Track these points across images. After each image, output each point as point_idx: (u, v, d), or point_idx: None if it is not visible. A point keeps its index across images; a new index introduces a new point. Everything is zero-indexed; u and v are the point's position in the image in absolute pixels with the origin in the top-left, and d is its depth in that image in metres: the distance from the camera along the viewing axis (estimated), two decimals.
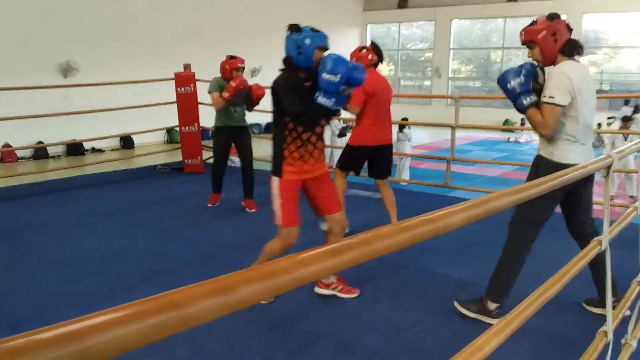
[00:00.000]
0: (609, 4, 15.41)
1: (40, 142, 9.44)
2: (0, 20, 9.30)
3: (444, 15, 17.79)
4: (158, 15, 12.28)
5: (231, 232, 4.77)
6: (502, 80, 2.95)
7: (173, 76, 7.24)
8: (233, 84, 4.97)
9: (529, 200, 2.66)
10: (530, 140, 12.78)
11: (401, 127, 8.99)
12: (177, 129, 7.50)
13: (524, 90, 2.85)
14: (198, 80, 7.17)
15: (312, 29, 3.01)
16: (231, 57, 5.28)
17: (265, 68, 14.77)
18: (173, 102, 7.31)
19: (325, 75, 2.78)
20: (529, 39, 2.88)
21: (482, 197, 1.07)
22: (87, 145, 10.51)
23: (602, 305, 2.77)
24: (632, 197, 7.88)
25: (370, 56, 4.31)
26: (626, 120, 9.12)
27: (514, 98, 2.89)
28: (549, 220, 3.09)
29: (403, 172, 7.76)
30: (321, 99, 2.82)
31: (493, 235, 4.49)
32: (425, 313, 3.16)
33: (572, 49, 2.83)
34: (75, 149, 10.22)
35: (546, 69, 2.96)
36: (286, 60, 3.03)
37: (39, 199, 5.99)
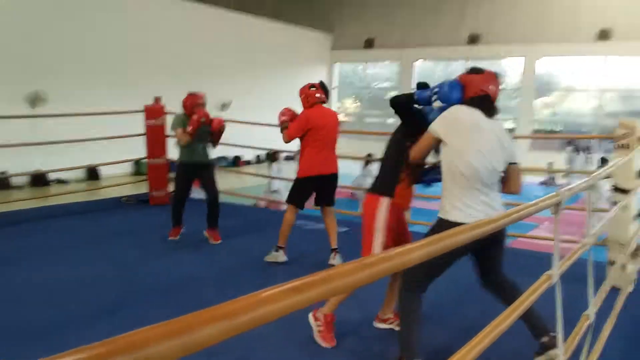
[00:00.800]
0: (563, 50, 16.20)
1: (3, 172, 9.24)
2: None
3: (408, 56, 18.35)
4: (130, 47, 12.31)
5: (195, 264, 4.77)
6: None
7: (143, 108, 7.26)
8: (194, 117, 5.03)
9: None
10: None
11: (366, 163, 9.22)
12: (145, 160, 7.48)
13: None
14: (168, 113, 7.20)
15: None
16: (191, 94, 5.34)
17: (235, 102, 14.88)
18: (142, 134, 7.31)
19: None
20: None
21: (439, 235, 1.16)
22: (52, 176, 10.33)
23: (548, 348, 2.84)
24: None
25: (317, 94, 4.64)
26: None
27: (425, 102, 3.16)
28: None
29: None
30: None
31: (451, 270, 4.61)
32: (384, 346, 3.22)
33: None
34: (39, 179, 10.03)
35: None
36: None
37: (1, 230, 5.85)
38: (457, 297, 4.12)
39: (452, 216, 2.69)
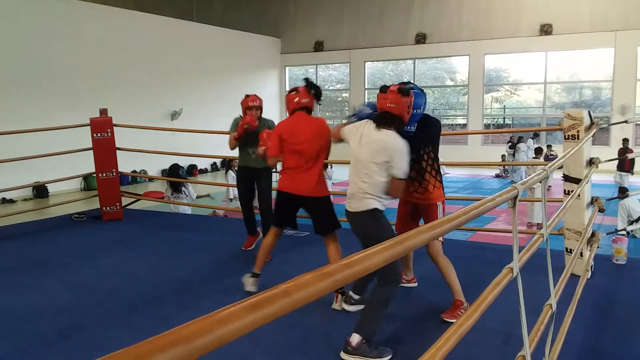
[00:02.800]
0: (508, 46, 16.67)
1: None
2: None
3: (357, 57, 18.51)
4: (75, 59, 11.94)
5: (155, 281, 4.61)
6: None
7: (89, 122, 7.02)
8: (241, 123, 4.83)
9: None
10: (444, 174, 13.38)
11: (325, 166, 9.23)
12: (94, 175, 7.23)
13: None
14: (115, 125, 6.98)
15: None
16: (246, 96, 4.98)
17: (185, 110, 14.64)
18: (89, 149, 7.06)
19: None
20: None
21: (399, 237, 1.13)
22: None
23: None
24: (538, 224, 8.42)
25: (297, 99, 4.04)
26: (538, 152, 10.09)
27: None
28: (457, 250, 3.30)
29: None
30: None
31: (415, 267, 4.64)
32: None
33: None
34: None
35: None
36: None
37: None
38: (423, 293, 4.14)
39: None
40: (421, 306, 3.91)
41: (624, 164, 11.13)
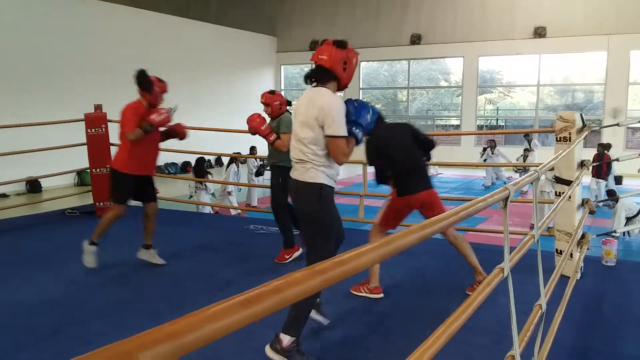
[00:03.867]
0: (501, 48, 16.74)
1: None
2: None
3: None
4: (70, 55, 11.88)
5: (147, 277, 4.60)
6: (364, 119, 3.14)
7: (83, 117, 6.99)
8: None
9: (315, 237, 3.06)
10: (436, 174, 13.40)
11: None
12: (88, 171, 7.21)
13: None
14: (110, 121, 6.96)
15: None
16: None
17: (180, 107, 14.63)
18: (83, 144, 7.03)
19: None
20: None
21: (389, 237, 1.14)
22: None
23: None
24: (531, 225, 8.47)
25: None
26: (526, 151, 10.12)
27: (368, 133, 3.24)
28: (448, 249, 3.28)
29: None
30: None
31: (406, 266, 4.66)
32: (348, 348, 3.20)
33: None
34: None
35: None
36: None
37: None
38: (414, 292, 4.16)
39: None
40: (412, 308, 3.93)
41: (600, 171, 10.80)
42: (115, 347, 0.54)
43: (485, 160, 12.82)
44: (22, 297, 4.06)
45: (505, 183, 11.97)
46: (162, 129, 4.80)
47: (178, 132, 4.95)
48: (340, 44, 2.98)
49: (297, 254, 4.83)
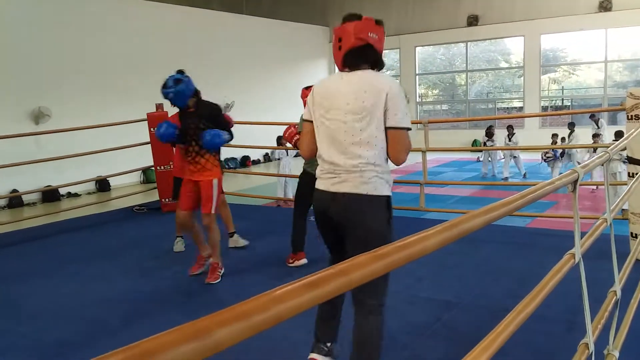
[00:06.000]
0: (564, 24, 16.01)
1: (14, 191, 9.28)
2: None
3: (407, 42, 18.23)
4: (129, 55, 12.33)
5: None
6: None
7: (145, 117, 7.24)
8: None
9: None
10: (500, 159, 13.02)
11: None
12: (153, 169, 7.47)
13: None
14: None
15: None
16: (306, 88, 4.69)
17: (237, 103, 14.90)
18: (147, 143, 7.29)
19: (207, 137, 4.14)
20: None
21: (453, 220, 1.11)
22: (62, 191, 10.40)
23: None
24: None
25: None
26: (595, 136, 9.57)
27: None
28: (515, 236, 3.10)
29: None
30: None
31: (470, 254, 4.56)
32: (411, 337, 3.18)
33: (349, 60, 2.41)
34: (50, 195, 10.09)
35: None
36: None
37: (16, 248, 5.86)
38: (479, 280, 4.07)
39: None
40: (477, 294, 3.85)
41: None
42: (194, 324, 0.58)
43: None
44: (94, 291, 4.27)
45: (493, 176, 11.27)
46: None
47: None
48: (381, 23, 2.45)
49: (303, 261, 4.64)
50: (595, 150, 9.24)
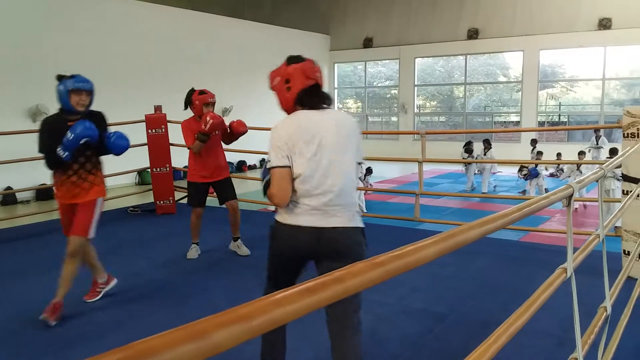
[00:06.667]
0: (563, 41, 16.12)
1: (8, 188, 9.25)
2: None
3: (407, 53, 18.32)
4: (129, 57, 12.33)
5: (206, 273, 4.73)
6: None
7: (144, 118, 7.25)
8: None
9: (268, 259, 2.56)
10: (495, 172, 13.06)
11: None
12: (149, 170, 7.47)
13: (263, 173, 2.47)
14: (169, 121, 7.18)
15: (70, 76, 3.63)
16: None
17: (235, 107, 14.92)
18: (144, 144, 7.29)
19: (68, 133, 3.49)
20: (270, 86, 2.53)
21: (449, 231, 1.12)
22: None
23: None
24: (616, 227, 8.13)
25: None
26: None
27: (264, 187, 2.45)
28: (509, 250, 3.13)
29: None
30: (59, 150, 3.53)
31: (464, 266, 4.58)
32: (403, 347, 3.18)
33: (307, 99, 2.41)
34: (45, 193, 10.05)
35: None
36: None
37: (9, 245, 5.85)
38: (472, 292, 4.08)
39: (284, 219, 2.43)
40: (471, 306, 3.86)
41: None
42: (192, 326, 0.58)
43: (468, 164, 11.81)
44: (87, 290, 4.25)
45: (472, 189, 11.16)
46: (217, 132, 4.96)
47: (234, 130, 5.06)
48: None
49: None
50: (579, 167, 9.26)
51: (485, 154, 11.83)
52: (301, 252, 2.42)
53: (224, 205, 5.24)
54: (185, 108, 5.02)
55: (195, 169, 4.98)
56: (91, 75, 11.41)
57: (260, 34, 16.64)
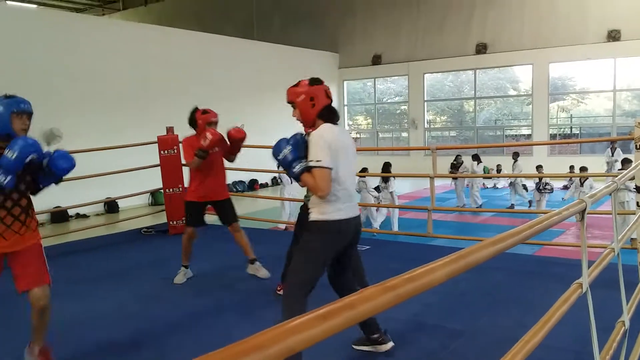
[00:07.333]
0: (572, 53, 16.10)
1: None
2: None
3: (416, 69, 18.38)
4: (140, 79, 12.51)
5: (220, 294, 4.73)
6: (275, 150, 3.04)
7: (156, 139, 7.32)
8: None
9: (301, 262, 2.99)
10: (506, 186, 12.98)
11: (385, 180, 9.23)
12: (162, 191, 7.52)
13: (294, 157, 2.95)
14: (181, 142, 7.23)
15: (7, 96, 2.96)
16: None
17: (247, 126, 15.07)
18: (157, 165, 7.35)
19: (7, 152, 2.79)
20: (290, 100, 3.05)
21: (461, 252, 1.12)
22: (71, 212, 10.45)
23: (367, 343, 3.29)
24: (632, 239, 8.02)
25: None
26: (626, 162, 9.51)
27: (286, 166, 2.99)
28: (523, 264, 3.12)
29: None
30: None
31: (478, 281, 4.54)
32: None
33: (329, 115, 3.01)
34: (59, 216, 10.15)
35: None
36: None
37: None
38: (487, 308, 4.04)
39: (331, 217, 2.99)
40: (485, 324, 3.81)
41: None
42: (213, 356, 0.59)
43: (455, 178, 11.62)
44: (103, 312, 4.27)
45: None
46: (217, 149, 4.92)
47: (233, 137, 5.03)
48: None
49: None
50: (582, 182, 9.18)
51: (475, 169, 11.79)
52: (345, 242, 3.03)
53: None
54: (190, 126, 5.03)
55: (194, 187, 4.96)
56: (104, 98, 11.58)
57: (270, 53, 16.82)
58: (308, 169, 2.89)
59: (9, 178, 2.80)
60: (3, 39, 10.20)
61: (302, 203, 4.37)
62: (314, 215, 2.96)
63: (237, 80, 15.46)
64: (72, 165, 3.15)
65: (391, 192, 9.03)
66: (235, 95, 15.17)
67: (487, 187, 13.29)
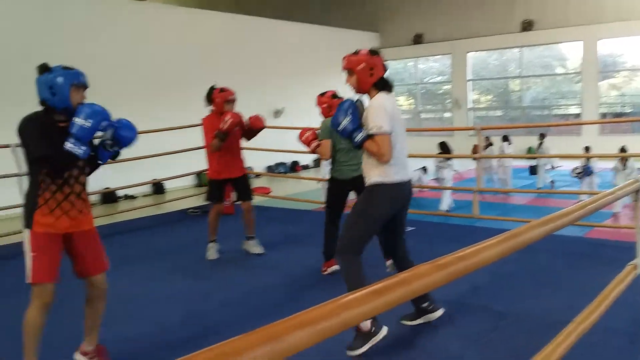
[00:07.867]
0: (622, 30, 15.39)
1: None
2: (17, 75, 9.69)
3: (459, 48, 17.95)
4: (184, 61, 12.70)
5: (266, 272, 4.80)
6: (334, 122, 3.16)
7: (200, 122, 7.42)
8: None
9: (355, 222, 3.11)
10: (555, 167, 12.58)
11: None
12: (207, 173, 7.65)
13: (354, 127, 3.08)
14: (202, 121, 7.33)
15: (64, 67, 2.77)
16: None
17: (287, 109, 15.10)
18: (202, 147, 7.47)
19: (78, 120, 2.64)
20: (349, 67, 3.15)
21: (511, 231, 1.11)
22: (119, 193, 10.77)
23: (417, 317, 3.36)
24: None
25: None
26: None
27: (347, 136, 3.12)
28: (573, 246, 3.04)
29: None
30: (69, 145, 2.63)
31: (526, 263, 4.46)
32: (465, 346, 3.14)
33: (384, 85, 3.17)
34: (108, 197, 10.49)
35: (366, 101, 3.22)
36: (42, 103, 2.75)
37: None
38: (535, 290, 3.97)
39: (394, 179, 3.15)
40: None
41: None
42: (266, 329, 0.60)
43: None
44: (149, 290, 4.41)
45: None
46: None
47: (252, 125, 5.17)
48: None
49: (334, 268, 4.48)
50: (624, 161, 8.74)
51: (539, 148, 11.39)
52: (400, 205, 3.22)
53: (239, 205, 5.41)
54: (207, 105, 5.19)
55: (213, 166, 5.15)
56: (155, 82, 11.82)
57: (310, 34, 16.74)
58: (370, 136, 3.02)
59: (83, 149, 2.66)
60: (54, 26, 10.50)
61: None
62: (375, 178, 3.08)
63: (277, 63, 15.48)
64: (135, 136, 2.98)
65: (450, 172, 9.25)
66: (275, 78, 15.22)
67: (555, 168, 12.70)
